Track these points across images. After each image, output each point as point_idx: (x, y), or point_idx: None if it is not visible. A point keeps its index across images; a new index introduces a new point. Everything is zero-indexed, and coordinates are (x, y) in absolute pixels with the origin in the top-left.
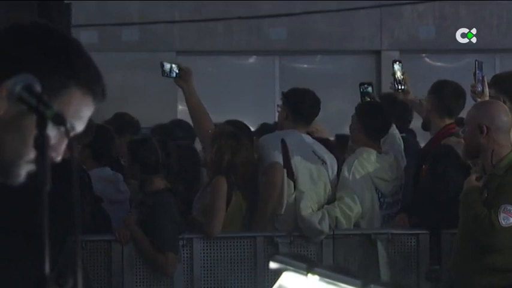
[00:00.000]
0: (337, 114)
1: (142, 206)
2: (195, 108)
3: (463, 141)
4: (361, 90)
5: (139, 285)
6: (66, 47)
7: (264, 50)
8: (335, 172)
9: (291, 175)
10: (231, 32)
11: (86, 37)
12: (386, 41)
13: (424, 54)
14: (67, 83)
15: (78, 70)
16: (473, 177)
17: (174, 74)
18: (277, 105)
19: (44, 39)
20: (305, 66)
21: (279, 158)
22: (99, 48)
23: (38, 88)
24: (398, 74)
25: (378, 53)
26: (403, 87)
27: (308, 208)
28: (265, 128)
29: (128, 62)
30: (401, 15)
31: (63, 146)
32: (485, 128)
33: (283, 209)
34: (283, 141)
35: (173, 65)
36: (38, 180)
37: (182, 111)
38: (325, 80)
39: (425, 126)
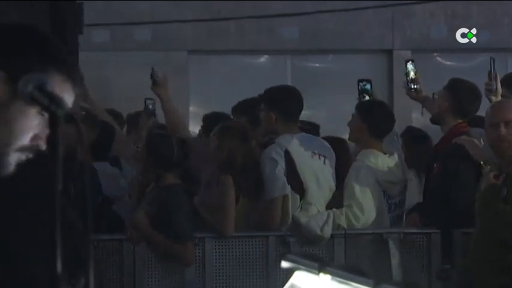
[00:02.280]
0: (348, 113)
1: (155, 200)
2: (171, 115)
3: (475, 140)
4: (359, 87)
5: (151, 285)
6: (43, 38)
7: (276, 49)
8: (334, 163)
9: (300, 186)
10: (242, 31)
11: (97, 36)
12: (398, 40)
13: (435, 54)
14: (48, 69)
15: (57, 58)
16: (491, 175)
17: (156, 83)
18: (260, 109)
19: (24, 33)
20: (317, 65)
21: (281, 189)
22: (111, 48)
23: (49, 87)
24: (412, 74)
25: (389, 52)
26: (416, 86)
27: (307, 217)
28: None
29: (139, 62)
30: (413, 14)
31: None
32: (509, 126)
33: (287, 226)
34: (287, 153)
35: (154, 72)
36: (50, 179)
37: (193, 112)
38: (337, 79)
39: (435, 121)
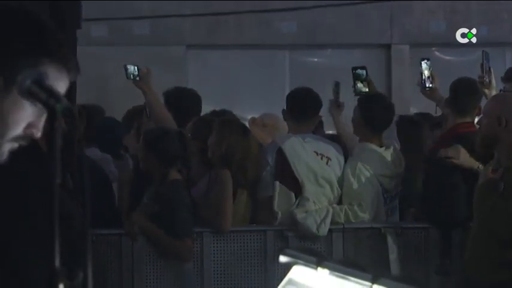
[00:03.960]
0: (347, 107)
1: (157, 196)
2: (156, 110)
3: (460, 149)
4: (353, 73)
5: (150, 279)
6: (39, 27)
7: (274, 44)
8: (343, 165)
9: (295, 183)
10: (241, 26)
11: (96, 31)
12: (397, 35)
13: (434, 48)
14: (43, 60)
15: (51, 47)
16: (489, 169)
17: (138, 77)
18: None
19: (17, 21)
20: (315, 60)
21: (264, 189)
22: (110, 42)
23: (48, 82)
24: (426, 73)
25: (388, 47)
26: (430, 85)
27: (304, 213)
28: None
29: (138, 56)
30: (412, 9)
31: (42, 121)
32: (504, 121)
33: (277, 221)
34: (279, 151)
35: (135, 67)
36: (48, 174)
37: None
38: (335, 74)
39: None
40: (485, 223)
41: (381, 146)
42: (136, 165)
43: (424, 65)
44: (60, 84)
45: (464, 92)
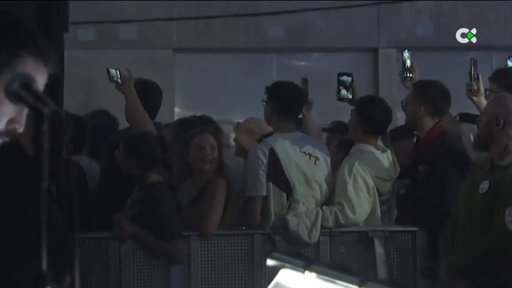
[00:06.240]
0: (334, 111)
1: (140, 199)
2: (137, 114)
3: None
4: (338, 78)
5: (137, 282)
6: (13, 21)
7: (262, 47)
8: (329, 165)
9: (286, 184)
10: (228, 29)
11: (83, 34)
12: (384, 39)
13: (421, 52)
14: (18, 53)
15: (27, 40)
16: (473, 171)
17: (120, 81)
18: (262, 100)
19: None
20: (302, 63)
21: (258, 190)
22: (97, 46)
23: (35, 85)
24: (408, 63)
25: (375, 51)
26: (411, 75)
27: (296, 219)
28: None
29: (125, 60)
30: (399, 13)
31: (24, 117)
32: (502, 121)
33: (269, 225)
34: (271, 151)
35: (117, 71)
36: (37, 177)
37: (178, 112)
38: (322, 77)
39: (411, 127)
40: (473, 223)
41: (378, 150)
42: (109, 167)
43: (405, 55)
44: (38, 76)
45: (439, 93)
